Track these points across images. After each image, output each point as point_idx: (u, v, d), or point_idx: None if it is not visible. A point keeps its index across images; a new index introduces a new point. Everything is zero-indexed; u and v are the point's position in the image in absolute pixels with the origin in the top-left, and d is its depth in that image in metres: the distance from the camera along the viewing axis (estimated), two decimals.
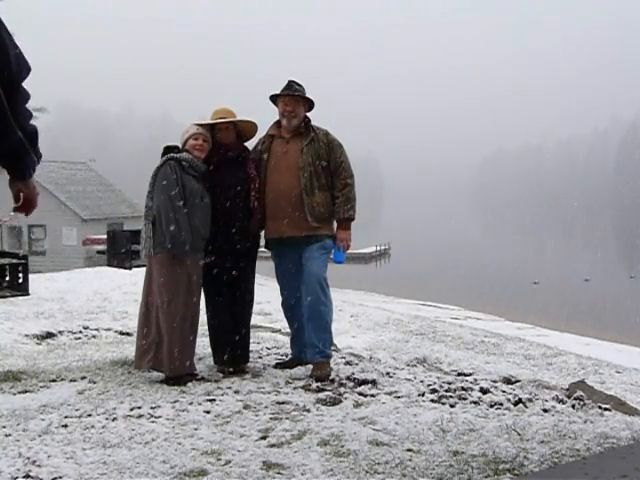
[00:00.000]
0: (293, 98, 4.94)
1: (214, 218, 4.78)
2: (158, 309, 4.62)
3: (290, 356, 5.30)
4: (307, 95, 5.00)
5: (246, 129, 5.03)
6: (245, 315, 5.02)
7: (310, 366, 4.89)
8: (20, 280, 10.81)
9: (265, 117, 5.20)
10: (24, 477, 2.96)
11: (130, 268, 18.01)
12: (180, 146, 4.82)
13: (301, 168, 4.86)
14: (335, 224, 5.02)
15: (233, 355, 4.93)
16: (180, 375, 4.58)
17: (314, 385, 4.49)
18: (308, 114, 5.06)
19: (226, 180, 4.84)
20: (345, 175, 4.95)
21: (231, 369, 4.88)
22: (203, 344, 5.29)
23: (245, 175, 4.89)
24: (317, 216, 4.86)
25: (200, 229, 4.71)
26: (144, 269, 4.87)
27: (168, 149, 4.80)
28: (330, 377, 4.67)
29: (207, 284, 4.88)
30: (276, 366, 5.11)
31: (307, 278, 4.84)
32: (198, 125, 4.88)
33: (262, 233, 5.08)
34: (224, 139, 4.90)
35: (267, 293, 10.40)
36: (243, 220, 4.85)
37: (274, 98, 5.03)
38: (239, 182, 4.87)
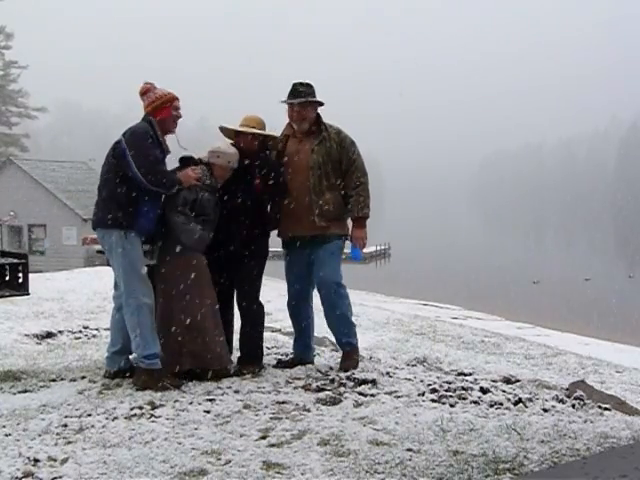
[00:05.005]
0: (299, 104, 4.93)
1: (223, 220, 4.81)
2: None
3: (291, 356, 5.31)
4: (312, 98, 4.95)
5: (270, 140, 5.08)
6: (249, 315, 5.03)
7: (310, 366, 4.94)
8: (20, 280, 10.75)
9: (275, 115, 5.22)
10: (24, 477, 2.97)
11: None
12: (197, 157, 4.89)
13: (311, 168, 4.88)
14: (350, 223, 5.05)
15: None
16: (180, 374, 4.58)
17: (314, 385, 4.50)
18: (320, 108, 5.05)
19: (236, 185, 4.87)
20: (358, 174, 4.95)
21: None
22: None
23: (252, 183, 4.90)
24: (325, 216, 4.88)
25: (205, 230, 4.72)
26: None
27: (183, 160, 4.84)
28: (330, 377, 4.68)
29: (213, 285, 4.91)
30: (276, 366, 5.12)
31: (322, 285, 4.91)
32: (222, 127, 5.03)
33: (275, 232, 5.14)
34: (244, 146, 4.93)
35: (267, 293, 10.35)
36: (248, 223, 4.87)
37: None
38: (246, 188, 4.89)
